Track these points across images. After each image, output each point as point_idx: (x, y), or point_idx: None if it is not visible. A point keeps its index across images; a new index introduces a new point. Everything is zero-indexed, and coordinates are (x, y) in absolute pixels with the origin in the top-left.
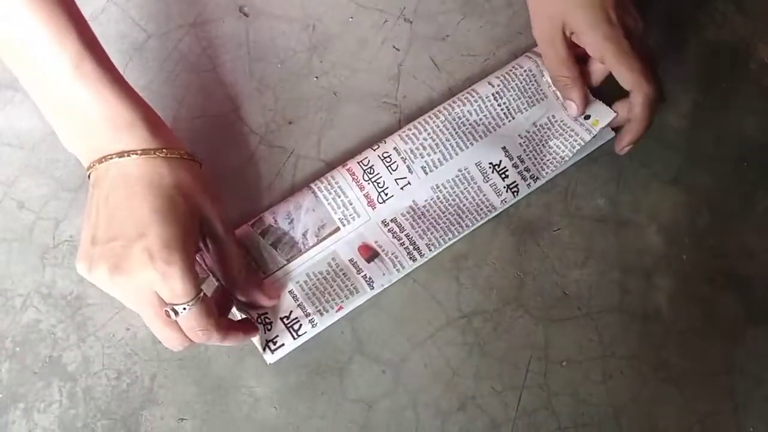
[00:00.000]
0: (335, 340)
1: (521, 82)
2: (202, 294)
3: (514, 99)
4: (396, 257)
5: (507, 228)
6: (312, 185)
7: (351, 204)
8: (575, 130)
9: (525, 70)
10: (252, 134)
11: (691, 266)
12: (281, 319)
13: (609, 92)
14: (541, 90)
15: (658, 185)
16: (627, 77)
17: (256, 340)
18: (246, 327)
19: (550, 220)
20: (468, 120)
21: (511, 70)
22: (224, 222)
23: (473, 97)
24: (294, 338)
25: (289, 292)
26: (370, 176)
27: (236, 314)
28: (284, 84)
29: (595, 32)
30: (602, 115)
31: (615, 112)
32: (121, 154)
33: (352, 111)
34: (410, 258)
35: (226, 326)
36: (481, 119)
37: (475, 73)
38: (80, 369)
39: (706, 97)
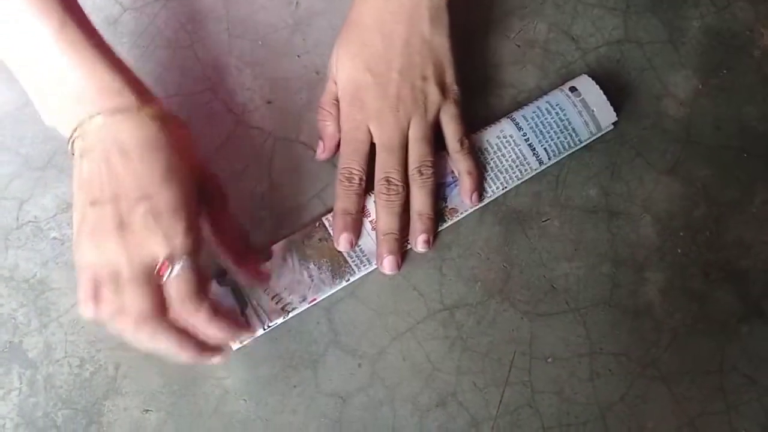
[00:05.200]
0: (310, 331)
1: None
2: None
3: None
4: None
5: (494, 217)
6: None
7: None
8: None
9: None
10: (229, 114)
11: (685, 260)
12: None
13: (611, 92)
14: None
15: (654, 175)
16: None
17: None
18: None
19: (540, 210)
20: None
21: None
22: (218, 184)
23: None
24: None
25: None
26: None
27: None
28: (264, 62)
29: None
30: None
31: (615, 115)
32: (111, 113)
33: None
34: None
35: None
36: None
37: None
38: (41, 356)
39: (707, 85)
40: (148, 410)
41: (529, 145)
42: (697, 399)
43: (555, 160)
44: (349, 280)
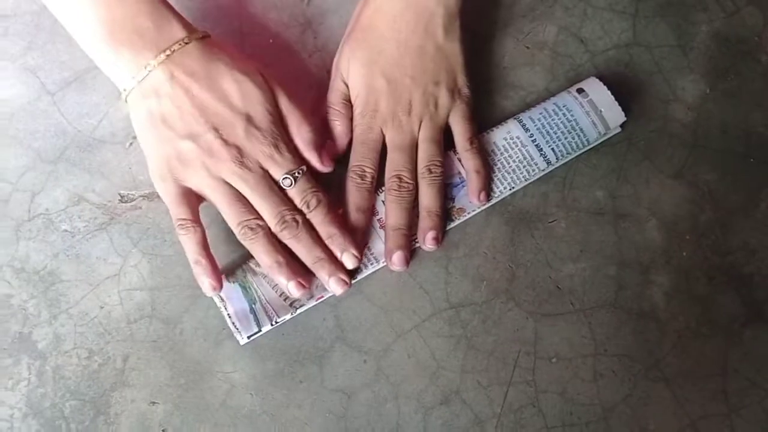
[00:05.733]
0: (316, 327)
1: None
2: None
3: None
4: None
5: (500, 217)
6: None
7: None
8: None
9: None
10: None
11: (690, 263)
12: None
13: (619, 96)
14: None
15: (661, 179)
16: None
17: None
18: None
19: (546, 211)
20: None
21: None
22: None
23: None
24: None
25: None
26: None
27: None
28: (275, 60)
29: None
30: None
31: (624, 115)
32: (171, 47)
33: None
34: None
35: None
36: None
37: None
38: (51, 347)
39: (714, 90)
40: (155, 402)
41: (536, 145)
42: (700, 401)
43: (564, 161)
44: (356, 277)
